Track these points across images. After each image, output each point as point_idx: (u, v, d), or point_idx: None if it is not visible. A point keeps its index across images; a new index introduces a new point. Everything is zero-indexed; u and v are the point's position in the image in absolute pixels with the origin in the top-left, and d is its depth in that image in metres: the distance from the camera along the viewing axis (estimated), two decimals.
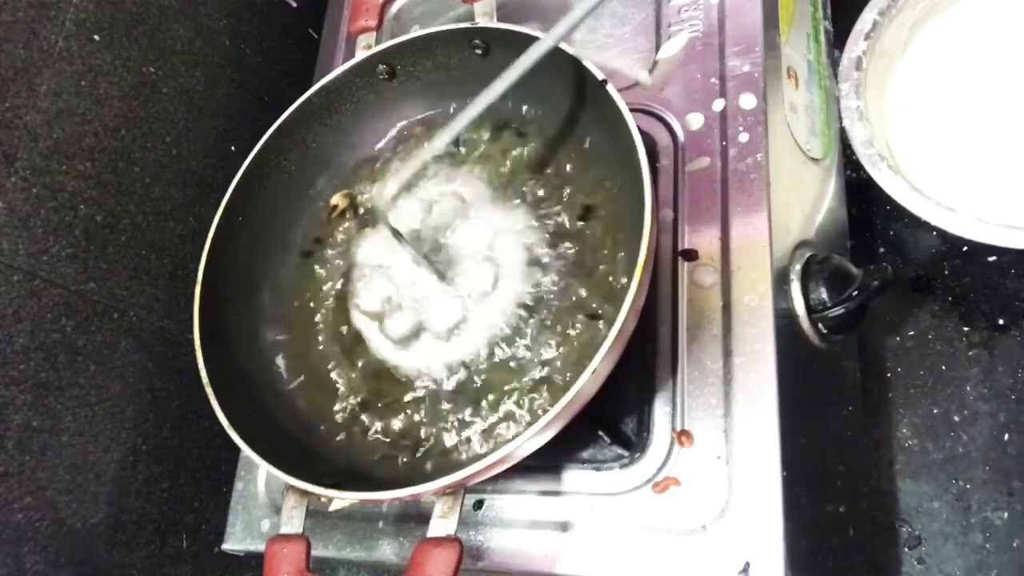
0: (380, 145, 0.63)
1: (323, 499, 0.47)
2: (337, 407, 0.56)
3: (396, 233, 0.53)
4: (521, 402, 0.50)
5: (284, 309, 0.60)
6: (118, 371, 0.62)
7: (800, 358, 0.52)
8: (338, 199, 0.61)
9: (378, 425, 0.54)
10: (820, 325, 0.53)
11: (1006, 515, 0.62)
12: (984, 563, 0.61)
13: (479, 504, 0.53)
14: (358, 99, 0.62)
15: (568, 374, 0.49)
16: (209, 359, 0.52)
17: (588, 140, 0.55)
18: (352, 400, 0.55)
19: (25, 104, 0.56)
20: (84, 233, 0.60)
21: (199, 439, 0.68)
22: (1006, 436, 0.64)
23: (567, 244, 0.53)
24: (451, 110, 0.61)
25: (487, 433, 0.51)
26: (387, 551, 0.55)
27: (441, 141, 0.51)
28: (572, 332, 0.50)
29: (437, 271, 0.54)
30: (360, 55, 0.60)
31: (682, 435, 0.49)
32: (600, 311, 0.50)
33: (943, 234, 0.56)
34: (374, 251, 0.58)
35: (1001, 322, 0.66)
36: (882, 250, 0.72)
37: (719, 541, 0.45)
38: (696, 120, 0.56)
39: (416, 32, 0.59)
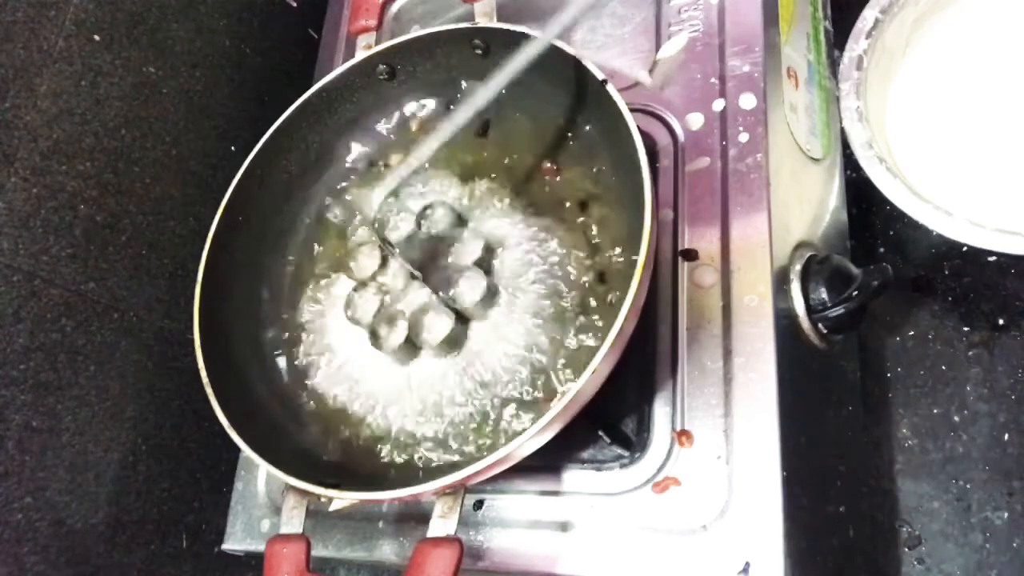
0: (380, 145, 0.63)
1: (323, 499, 0.47)
2: (338, 405, 0.56)
3: (383, 240, 0.53)
4: (523, 408, 0.50)
5: (284, 309, 0.60)
6: (118, 371, 0.62)
7: (800, 358, 0.52)
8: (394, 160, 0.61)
9: (378, 425, 0.54)
10: (820, 325, 0.53)
11: (1006, 515, 0.62)
12: (984, 563, 0.61)
13: (479, 504, 0.53)
14: (358, 99, 0.62)
15: (569, 379, 0.49)
16: (209, 359, 0.52)
17: (588, 140, 0.55)
18: (352, 400, 0.55)
19: (25, 104, 0.56)
20: (84, 233, 0.60)
21: (199, 439, 0.68)
22: (1006, 436, 0.64)
23: (566, 244, 0.53)
24: (449, 109, 0.61)
25: (488, 434, 0.51)
26: (387, 551, 0.55)
27: (430, 147, 0.50)
28: (574, 336, 0.50)
29: (425, 279, 0.53)
30: (360, 55, 0.60)
31: (682, 435, 0.49)
32: (600, 313, 0.50)
33: (942, 234, 0.56)
34: (366, 260, 0.58)
35: (1001, 322, 0.66)
36: (882, 250, 0.72)
37: (719, 541, 0.45)
38: (696, 120, 0.56)
39: (416, 32, 0.59)
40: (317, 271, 0.60)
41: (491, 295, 0.52)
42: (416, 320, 0.53)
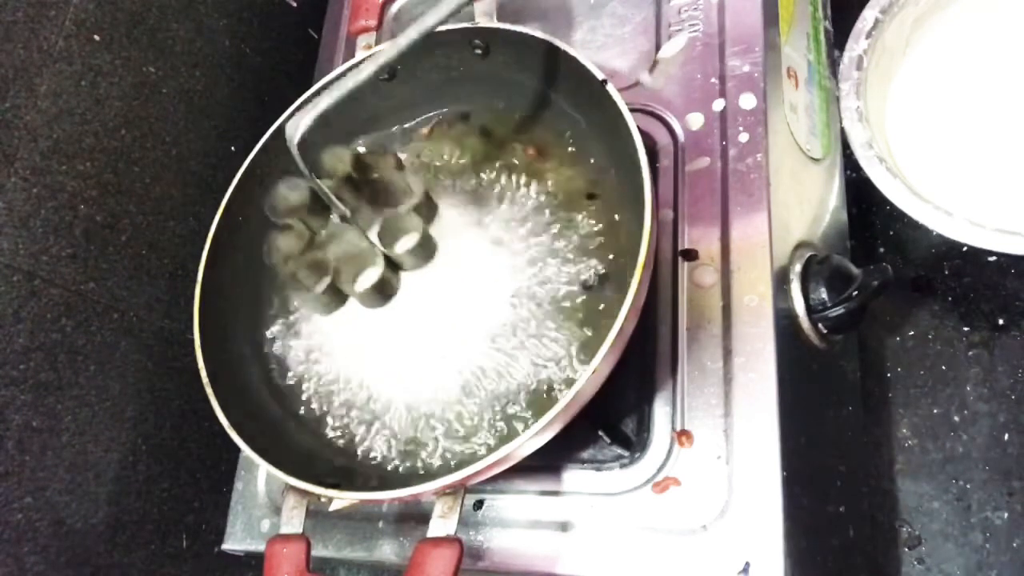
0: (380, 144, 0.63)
1: (323, 499, 0.47)
2: (337, 404, 0.56)
3: (303, 168, 0.50)
4: (523, 409, 0.50)
5: (284, 308, 0.60)
6: (118, 371, 0.62)
7: (800, 358, 0.52)
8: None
9: (377, 423, 0.54)
10: (820, 325, 0.53)
11: (1006, 515, 0.62)
12: (984, 563, 0.61)
13: (479, 504, 0.53)
14: (358, 99, 0.62)
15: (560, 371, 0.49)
16: (209, 359, 0.52)
17: (588, 140, 0.55)
18: (352, 399, 0.55)
19: (25, 104, 0.56)
20: (84, 233, 0.60)
21: (199, 439, 0.68)
22: (1006, 436, 0.64)
23: (565, 244, 0.53)
24: (445, 110, 0.61)
25: (488, 433, 0.51)
26: (387, 551, 0.55)
27: (366, 72, 0.49)
28: (572, 339, 0.51)
29: (357, 223, 0.52)
30: (360, 55, 0.60)
31: (682, 435, 0.49)
32: (599, 313, 0.50)
33: (942, 234, 0.56)
34: (290, 194, 0.55)
35: (1001, 322, 0.66)
36: (882, 250, 0.72)
37: (719, 541, 0.45)
38: (696, 120, 0.56)
39: None
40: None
41: (427, 244, 0.52)
42: (344, 265, 0.52)
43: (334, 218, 0.55)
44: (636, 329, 0.45)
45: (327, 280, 0.52)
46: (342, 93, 0.48)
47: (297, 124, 0.48)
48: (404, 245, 0.51)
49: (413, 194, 0.53)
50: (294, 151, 0.48)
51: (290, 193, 0.55)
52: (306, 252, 0.53)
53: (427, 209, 0.54)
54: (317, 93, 0.60)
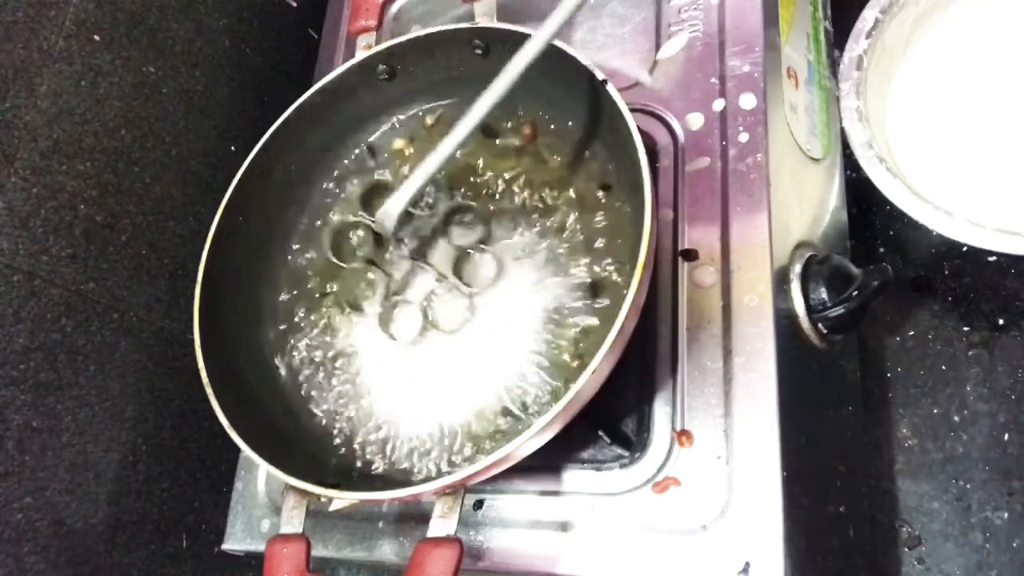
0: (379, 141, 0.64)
1: (323, 499, 0.47)
2: (337, 407, 0.56)
3: (403, 247, 0.55)
4: (527, 400, 0.50)
5: (284, 309, 0.60)
6: (118, 371, 0.62)
7: (800, 358, 0.52)
8: (401, 143, 0.63)
9: (378, 424, 0.54)
10: (820, 325, 0.53)
11: (1006, 515, 0.62)
12: (984, 563, 0.61)
13: (479, 504, 0.53)
14: (358, 99, 0.62)
15: (569, 375, 0.49)
16: (209, 359, 0.52)
17: (588, 140, 0.55)
18: (353, 399, 0.55)
19: (25, 104, 0.56)
20: (84, 233, 0.60)
21: (199, 439, 0.68)
22: (1006, 436, 0.64)
23: (565, 244, 0.53)
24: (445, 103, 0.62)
25: (487, 432, 0.51)
26: (387, 551, 0.55)
27: (443, 153, 0.51)
28: (571, 331, 0.51)
29: (450, 280, 0.55)
30: (360, 55, 0.60)
31: (682, 435, 0.49)
32: (601, 310, 0.50)
33: (942, 234, 0.56)
34: (360, 243, 0.60)
35: (1001, 322, 0.66)
36: (882, 250, 0.72)
37: (719, 541, 0.45)
38: (696, 120, 0.56)
39: (416, 32, 0.59)
40: (317, 271, 0.61)
41: (500, 270, 0.54)
42: (428, 305, 0.55)
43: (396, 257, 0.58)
44: (636, 329, 0.45)
45: (420, 324, 0.55)
46: (424, 178, 0.52)
47: (388, 214, 0.53)
48: (484, 276, 0.54)
49: (478, 226, 0.56)
50: (388, 237, 0.55)
51: (357, 238, 0.60)
52: (388, 298, 0.57)
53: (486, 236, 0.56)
54: (319, 95, 0.60)
